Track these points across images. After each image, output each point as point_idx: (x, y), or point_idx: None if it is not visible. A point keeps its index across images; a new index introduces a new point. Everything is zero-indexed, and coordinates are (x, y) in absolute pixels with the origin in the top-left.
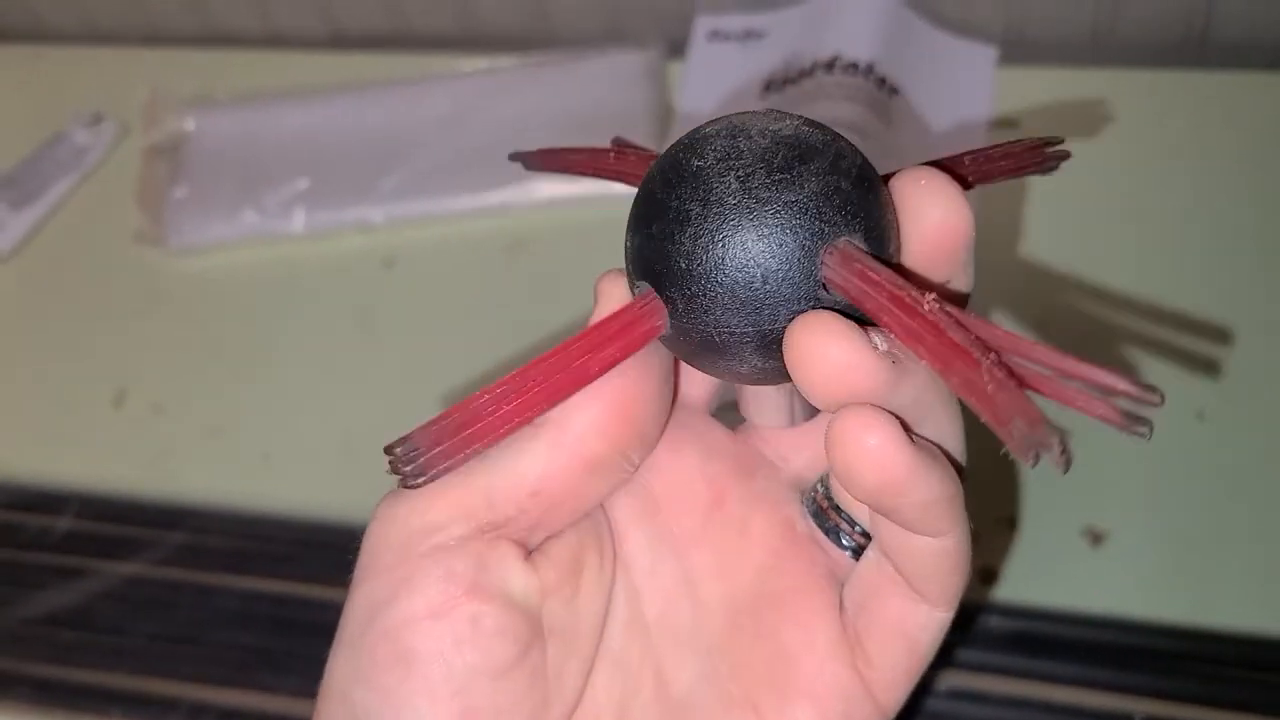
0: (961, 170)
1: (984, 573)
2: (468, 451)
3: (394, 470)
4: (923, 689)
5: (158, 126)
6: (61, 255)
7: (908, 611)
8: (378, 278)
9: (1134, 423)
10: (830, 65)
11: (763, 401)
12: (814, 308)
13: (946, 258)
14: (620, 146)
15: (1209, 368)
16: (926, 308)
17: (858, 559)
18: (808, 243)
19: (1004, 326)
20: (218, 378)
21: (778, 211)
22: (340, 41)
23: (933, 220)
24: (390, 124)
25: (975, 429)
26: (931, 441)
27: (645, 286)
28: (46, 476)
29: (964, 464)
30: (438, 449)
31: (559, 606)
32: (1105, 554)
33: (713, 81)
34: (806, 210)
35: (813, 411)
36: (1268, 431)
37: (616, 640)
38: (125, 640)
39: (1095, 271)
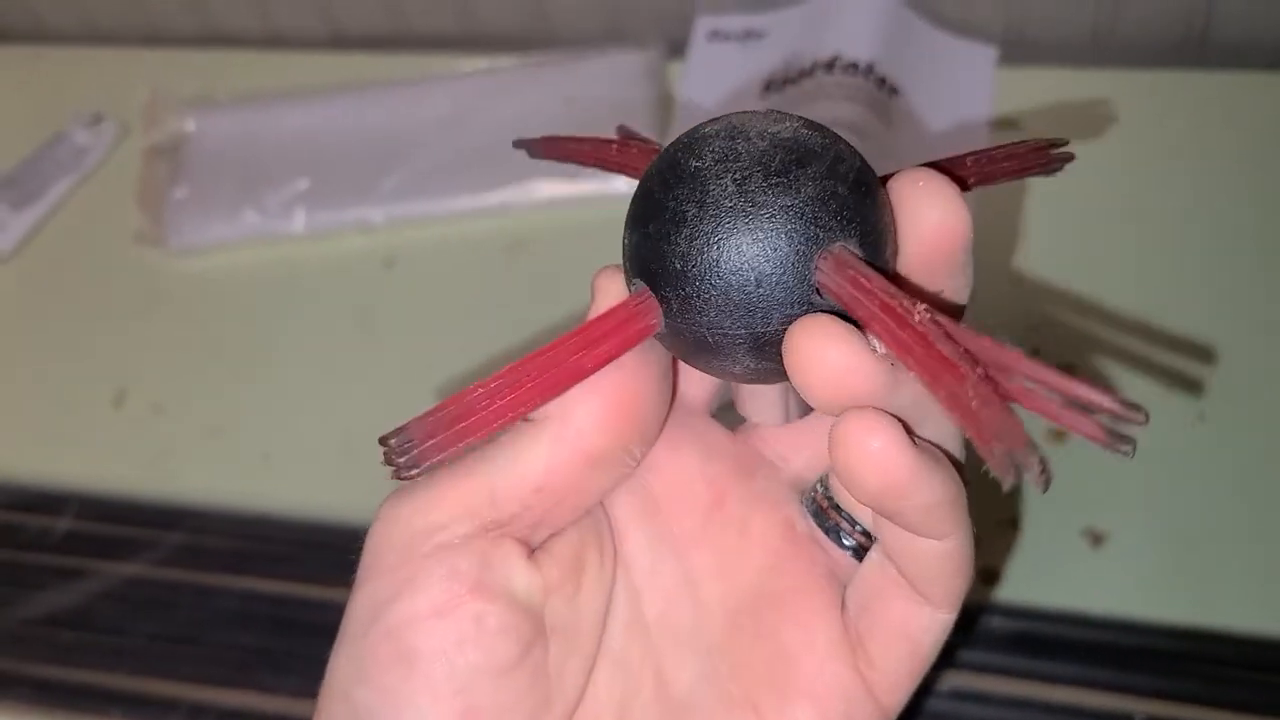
0: (964, 171)
1: (985, 573)
2: (461, 444)
3: (388, 461)
4: (924, 689)
5: (158, 127)
6: (62, 255)
7: (910, 613)
8: (378, 278)
9: (1117, 440)
10: (830, 65)
11: (758, 398)
12: (806, 312)
13: (945, 259)
14: (625, 138)
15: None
16: (917, 318)
17: (858, 558)
18: (802, 248)
19: (992, 338)
20: (218, 378)
21: (773, 215)
22: (340, 42)
23: (931, 222)
24: (390, 124)
25: None
26: (932, 443)
27: (641, 284)
28: (47, 477)
29: (964, 463)
30: (431, 441)
31: (561, 605)
32: (1105, 555)
33: (713, 81)
34: (802, 215)
35: (808, 408)
36: (1268, 432)
37: (617, 640)
38: (125, 641)
39: (1095, 271)
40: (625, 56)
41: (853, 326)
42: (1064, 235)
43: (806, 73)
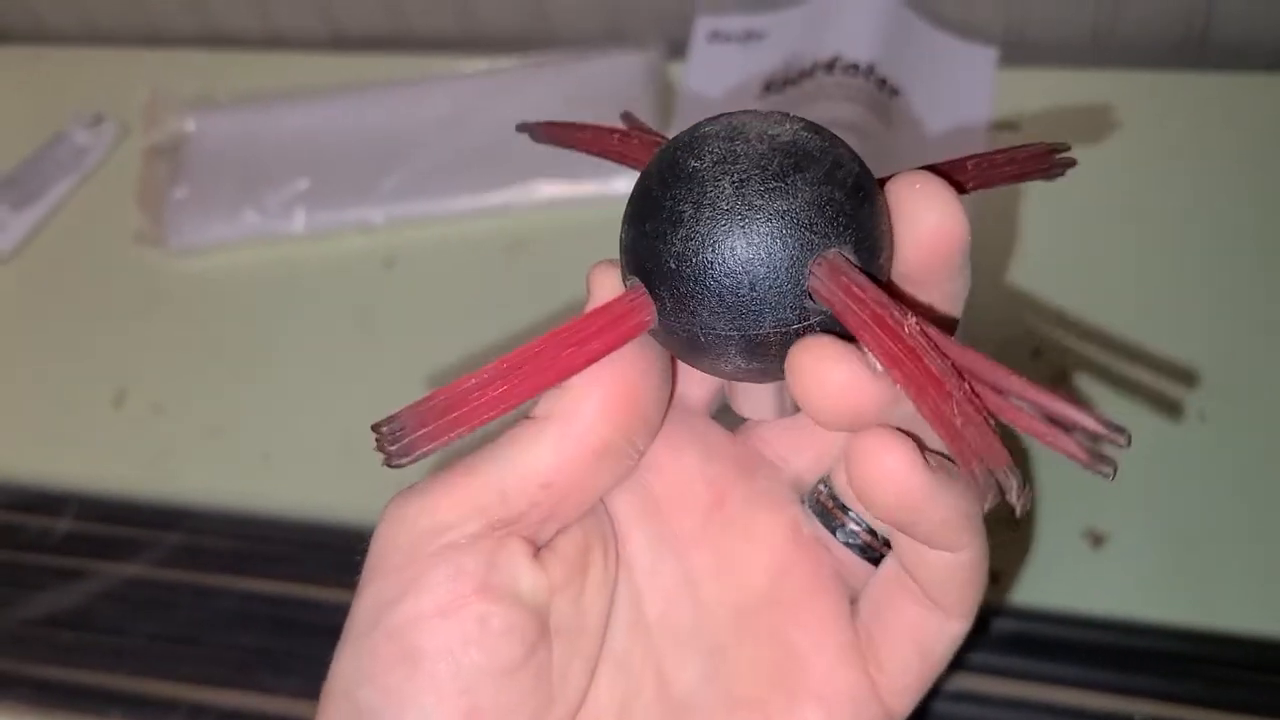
0: (963, 175)
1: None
2: (452, 434)
3: (379, 448)
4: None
5: (158, 127)
6: (62, 256)
7: (923, 620)
8: (378, 278)
9: (1099, 461)
10: (831, 66)
11: (751, 394)
12: (799, 316)
13: (942, 262)
14: (628, 126)
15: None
16: (907, 330)
17: (864, 557)
18: (797, 253)
19: (981, 352)
20: (218, 378)
21: (769, 220)
22: (341, 42)
23: (928, 225)
24: (391, 125)
25: None
26: (943, 454)
27: (636, 281)
28: (47, 477)
29: None
30: (423, 430)
31: (566, 606)
32: (1106, 555)
33: (713, 82)
34: (798, 220)
35: None
36: (1268, 432)
37: (619, 641)
38: (125, 641)
39: (1095, 271)
40: (625, 57)
41: (853, 346)
42: (1063, 235)
43: (807, 73)
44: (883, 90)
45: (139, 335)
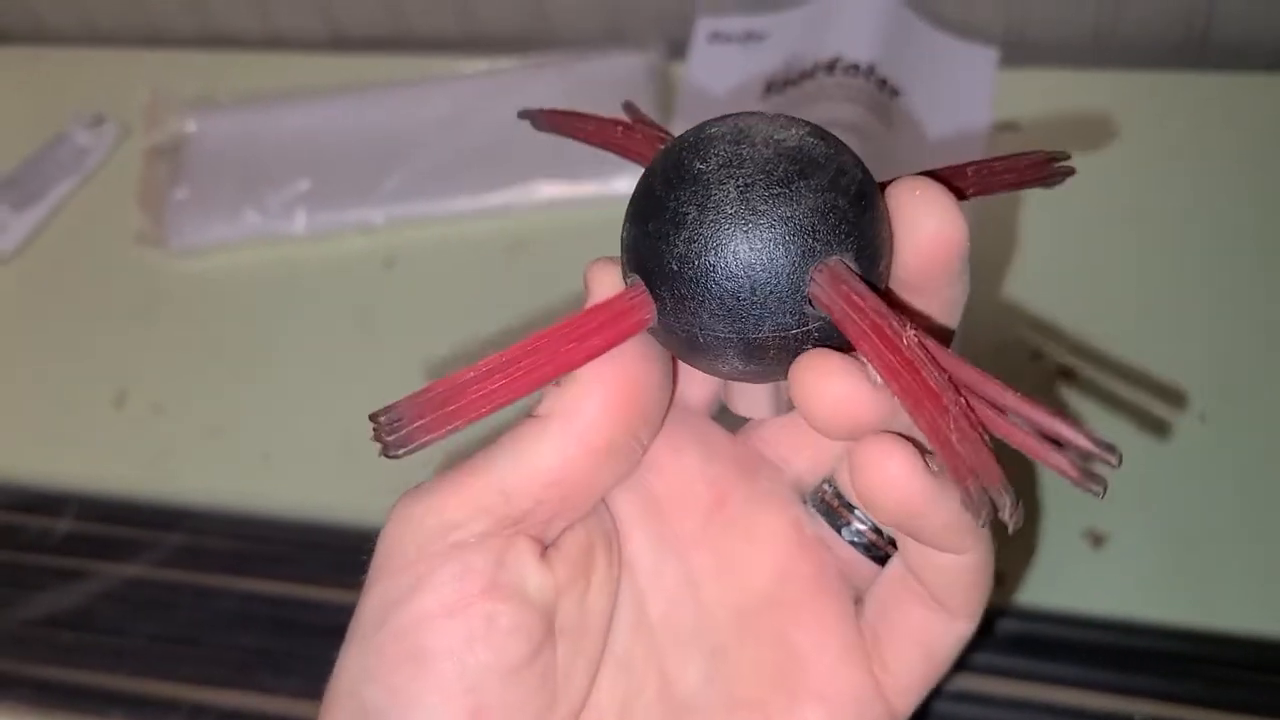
0: (964, 181)
1: None
2: (448, 427)
3: (376, 438)
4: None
5: (159, 128)
6: (63, 256)
7: (929, 621)
8: (378, 278)
9: (1089, 479)
10: (831, 67)
11: (747, 393)
12: (798, 322)
13: (941, 268)
14: (632, 118)
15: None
16: (905, 341)
17: (870, 556)
18: (798, 259)
19: (978, 367)
20: (218, 378)
21: (772, 225)
22: (341, 43)
23: (927, 231)
24: (391, 125)
25: None
26: None
27: (636, 279)
28: (47, 477)
29: None
30: (420, 422)
31: (571, 605)
32: (1106, 556)
33: (714, 83)
34: (801, 227)
35: None
36: (1268, 433)
37: (620, 641)
38: (125, 641)
39: (1095, 271)
40: (626, 58)
41: (853, 360)
42: (1063, 236)
43: (807, 74)
44: (883, 91)
45: (139, 336)
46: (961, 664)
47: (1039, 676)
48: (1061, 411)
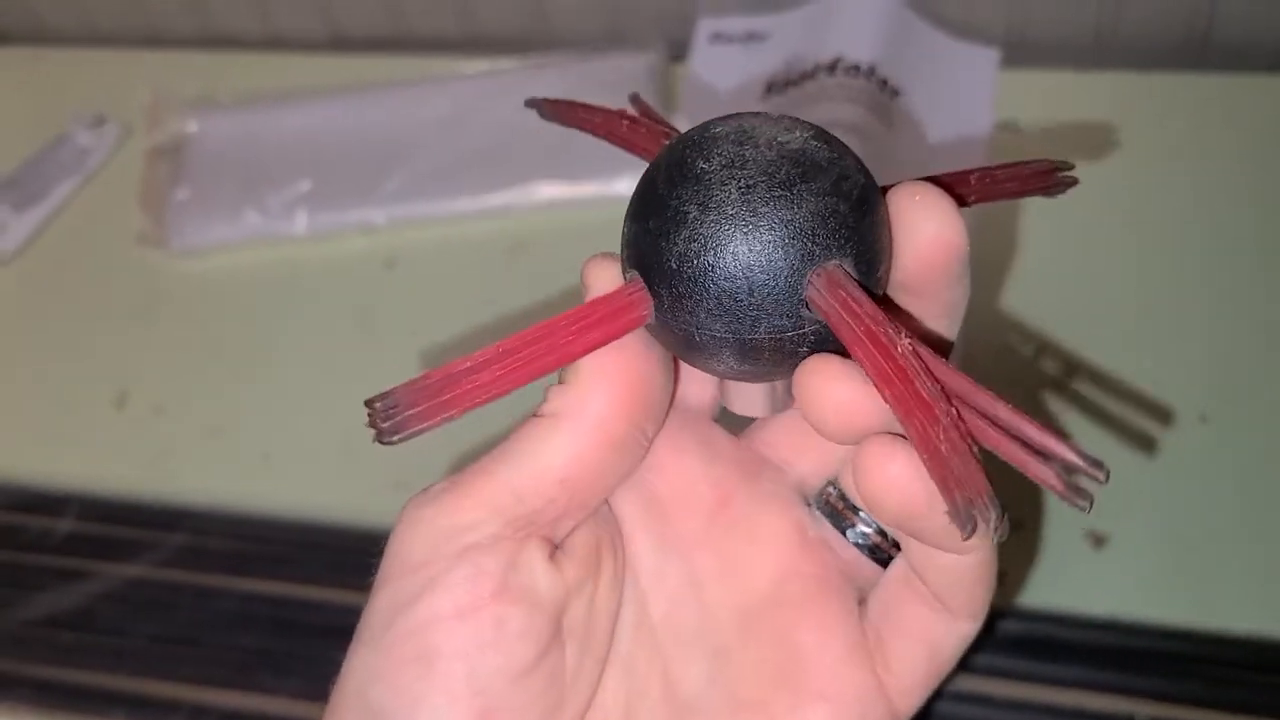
0: (967, 188)
1: None
2: (443, 415)
3: (371, 424)
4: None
5: (160, 128)
6: (64, 257)
7: (932, 621)
8: (379, 279)
9: (1075, 494)
10: (832, 67)
11: (742, 391)
12: (794, 324)
13: (940, 272)
14: (638, 111)
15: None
16: (899, 350)
17: (873, 557)
18: (797, 262)
19: (970, 377)
20: (219, 379)
21: (773, 228)
22: (341, 43)
23: (926, 235)
24: (391, 126)
25: None
26: None
27: (635, 275)
28: (48, 478)
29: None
30: (414, 410)
31: (579, 607)
32: (1107, 556)
33: (715, 83)
34: (801, 230)
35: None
36: (1269, 433)
37: (624, 642)
38: (126, 642)
39: (1096, 272)
40: (626, 58)
41: (855, 364)
42: (1064, 237)
43: (808, 74)
44: (884, 91)
45: (140, 336)
46: (963, 664)
47: (1040, 677)
48: (1051, 425)
